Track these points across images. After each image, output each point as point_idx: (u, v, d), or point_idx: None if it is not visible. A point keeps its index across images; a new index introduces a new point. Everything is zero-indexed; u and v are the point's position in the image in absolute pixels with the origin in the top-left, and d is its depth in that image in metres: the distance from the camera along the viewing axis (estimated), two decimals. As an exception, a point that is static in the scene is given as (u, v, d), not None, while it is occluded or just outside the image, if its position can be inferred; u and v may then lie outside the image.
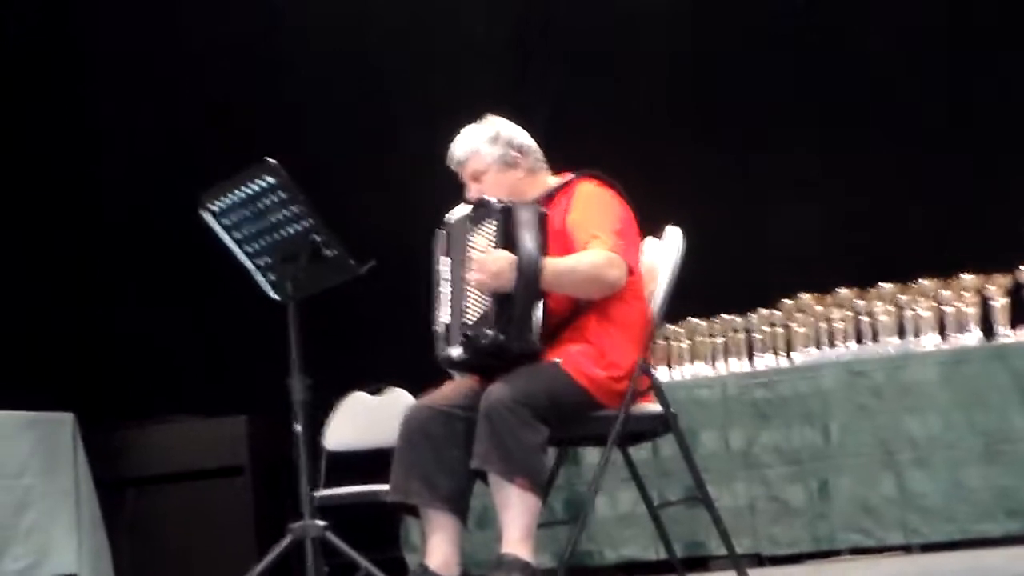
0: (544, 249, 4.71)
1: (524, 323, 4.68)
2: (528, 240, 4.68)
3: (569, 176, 5.04)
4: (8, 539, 6.49)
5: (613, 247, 4.76)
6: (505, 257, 4.64)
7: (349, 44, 8.47)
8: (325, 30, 8.54)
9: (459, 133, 5.06)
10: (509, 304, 4.65)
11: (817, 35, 7.73)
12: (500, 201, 4.75)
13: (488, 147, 5.00)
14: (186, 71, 8.62)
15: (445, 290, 4.87)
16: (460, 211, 4.91)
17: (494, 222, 4.71)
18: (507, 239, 4.68)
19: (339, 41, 8.48)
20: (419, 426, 4.77)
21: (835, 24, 7.72)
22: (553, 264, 4.70)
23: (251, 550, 7.28)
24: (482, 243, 4.71)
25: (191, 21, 8.68)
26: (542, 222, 4.75)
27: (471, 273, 4.68)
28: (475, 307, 4.70)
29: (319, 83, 8.57)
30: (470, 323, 4.70)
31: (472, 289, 4.71)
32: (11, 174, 8.37)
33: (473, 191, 5.00)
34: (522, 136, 5.06)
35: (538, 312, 4.72)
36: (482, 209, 4.76)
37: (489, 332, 4.65)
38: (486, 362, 4.77)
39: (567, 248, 4.79)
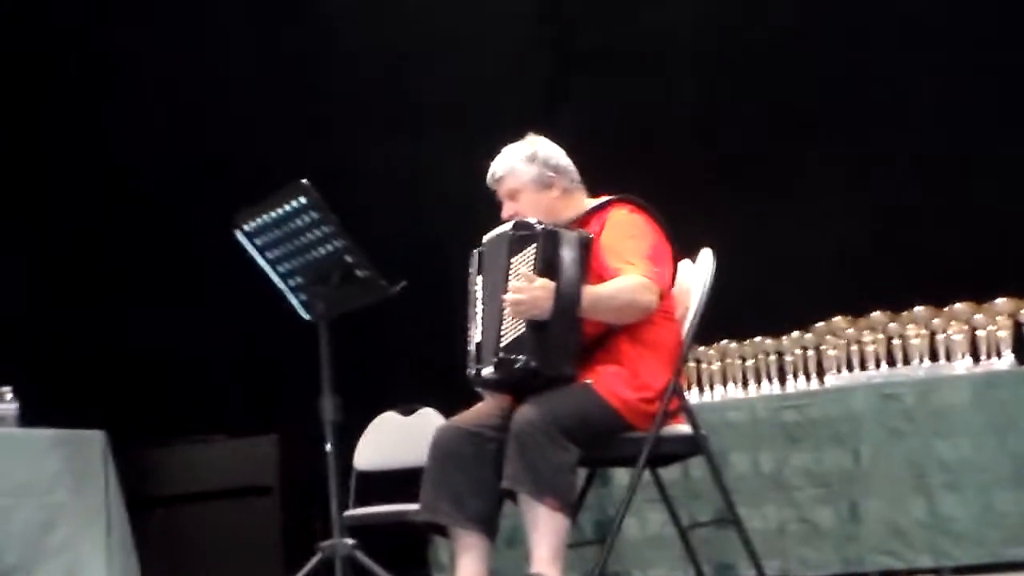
0: (585, 276, 4.70)
1: (558, 351, 4.68)
2: (569, 268, 4.67)
3: (604, 199, 5.04)
4: (38, 557, 6.50)
5: (645, 272, 4.76)
6: (543, 285, 4.63)
7: (379, 63, 8.49)
8: (355, 45, 8.56)
9: (494, 153, 5.08)
10: (544, 332, 4.65)
11: (850, 53, 7.71)
12: (542, 224, 4.74)
13: (524, 166, 5.01)
14: (213, 86, 8.66)
15: (478, 310, 4.88)
16: (497, 231, 4.91)
17: (535, 246, 4.70)
18: (548, 265, 4.68)
19: (369, 59, 8.50)
20: (449, 446, 4.78)
21: (868, 42, 7.70)
22: (590, 292, 4.70)
23: (280, 569, 7.29)
24: (522, 267, 4.70)
25: (219, 34, 8.72)
26: (586, 247, 4.74)
27: (509, 297, 4.67)
28: (510, 331, 4.69)
29: (348, 100, 8.58)
30: (503, 346, 4.70)
31: (508, 313, 4.70)
32: (43, 194, 8.42)
33: (509, 210, 5.01)
34: (559, 156, 5.07)
35: (574, 340, 4.72)
36: (525, 232, 4.73)
37: (522, 358, 4.65)
38: (517, 384, 4.78)
39: (599, 273, 4.79)
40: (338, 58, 8.61)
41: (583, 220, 4.98)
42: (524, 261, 4.70)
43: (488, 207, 5.12)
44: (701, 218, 6.43)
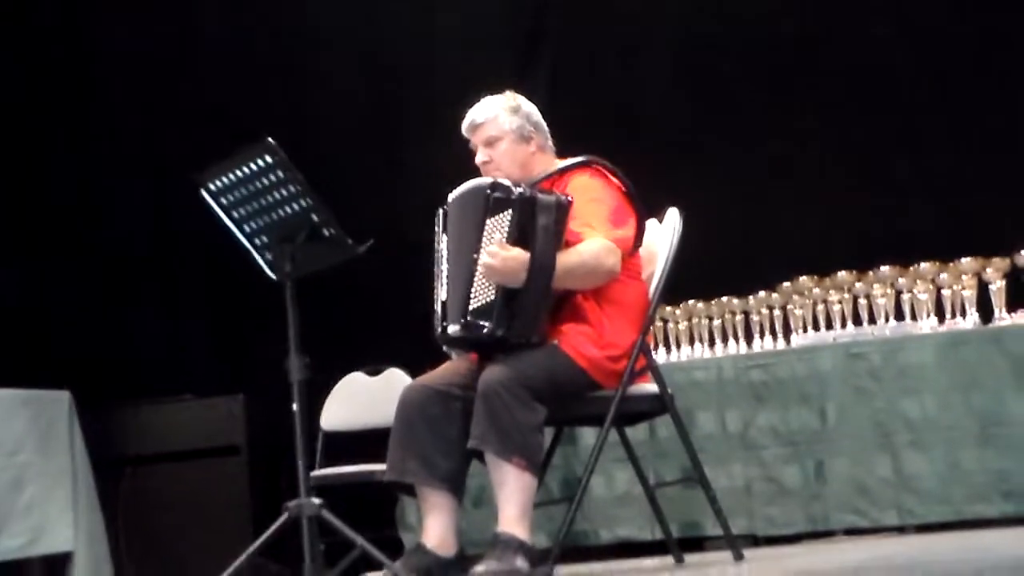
0: (559, 244, 4.71)
1: (526, 320, 4.70)
2: (543, 236, 4.68)
3: (569, 161, 5.05)
4: (5, 517, 6.48)
5: (607, 235, 4.77)
6: (517, 256, 4.64)
7: (351, 30, 8.45)
8: (332, 33, 8.52)
9: (463, 115, 5.10)
10: (514, 301, 4.66)
11: (820, 20, 7.70)
12: (520, 187, 4.74)
13: (508, 116, 5.05)
14: (192, 69, 8.61)
15: (443, 268, 4.88)
16: (462, 190, 4.91)
17: (511, 212, 4.70)
18: (522, 233, 4.68)
19: (342, 28, 8.46)
20: (416, 406, 4.79)
21: (838, 9, 7.69)
22: (562, 261, 4.70)
23: (247, 529, 7.28)
24: (496, 232, 4.69)
25: (197, 21, 8.68)
26: (562, 211, 4.74)
27: (482, 262, 4.66)
28: (480, 294, 4.69)
29: (322, 65, 8.54)
30: (472, 309, 4.70)
31: (479, 276, 4.70)
32: (14, 157, 8.36)
33: (483, 156, 5.02)
34: (538, 115, 5.15)
35: (543, 308, 4.73)
36: (502, 194, 4.73)
37: (488, 325, 4.67)
38: (483, 345, 4.79)
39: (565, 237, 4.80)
40: (317, 46, 8.57)
41: (546, 181, 4.98)
42: (498, 225, 4.70)
43: (457, 167, 5.12)
44: (668, 178, 6.45)
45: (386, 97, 8.45)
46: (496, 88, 5.22)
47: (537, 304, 4.70)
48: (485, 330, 4.67)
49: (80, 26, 8.81)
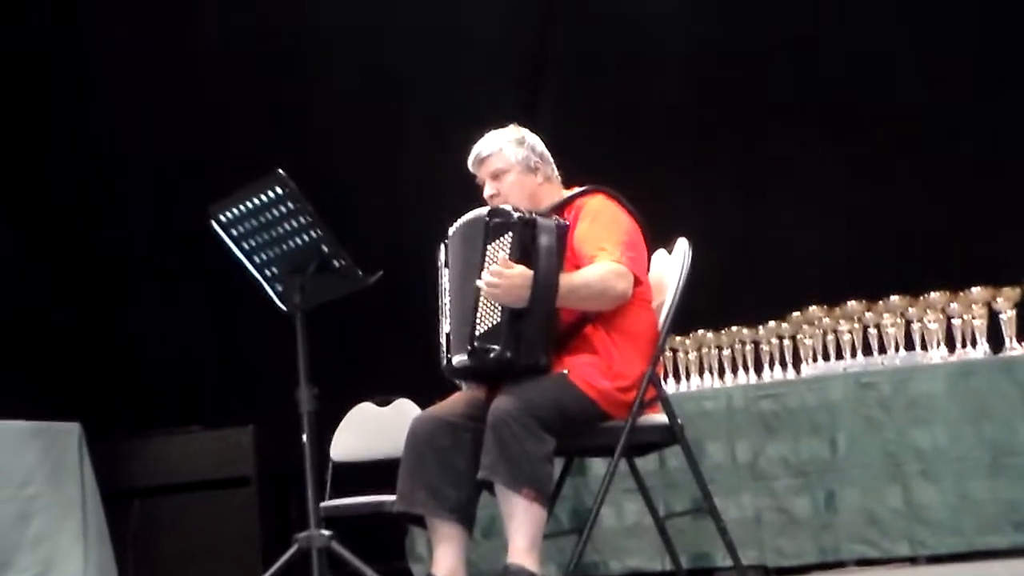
0: (561, 264, 4.71)
1: (534, 341, 4.68)
2: (545, 255, 4.67)
3: (578, 189, 5.06)
4: (14, 549, 6.48)
5: (619, 259, 4.77)
6: (521, 274, 4.63)
7: (356, 51, 8.47)
8: (332, 34, 8.54)
9: (471, 146, 5.11)
10: (520, 321, 4.65)
11: (822, 41, 7.71)
12: (519, 211, 4.74)
13: (513, 148, 5.06)
14: (193, 74, 8.64)
15: (446, 300, 4.89)
16: (462, 221, 4.91)
17: (511, 234, 4.70)
18: (524, 253, 4.67)
19: (346, 47, 8.48)
20: (426, 437, 4.78)
21: (841, 29, 7.70)
22: (567, 280, 4.70)
23: (257, 561, 7.28)
24: (499, 255, 4.69)
25: (197, 23, 8.70)
26: (562, 235, 4.75)
27: (485, 280, 4.66)
28: (486, 319, 4.69)
29: (325, 90, 8.56)
30: (479, 335, 4.69)
31: (485, 300, 4.70)
32: (18, 178, 8.37)
33: (491, 190, 5.03)
34: (542, 145, 5.15)
35: (550, 329, 4.72)
36: (501, 219, 4.74)
37: (496, 348, 4.65)
38: (490, 373, 4.78)
39: (574, 261, 4.80)
40: (318, 51, 8.58)
41: (559, 208, 4.99)
42: (500, 248, 4.70)
43: (463, 198, 5.12)
44: (677, 208, 6.45)
45: (386, 97, 8.47)
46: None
47: (543, 326, 4.69)
48: (493, 354, 4.66)
49: (80, 26, 8.84)
